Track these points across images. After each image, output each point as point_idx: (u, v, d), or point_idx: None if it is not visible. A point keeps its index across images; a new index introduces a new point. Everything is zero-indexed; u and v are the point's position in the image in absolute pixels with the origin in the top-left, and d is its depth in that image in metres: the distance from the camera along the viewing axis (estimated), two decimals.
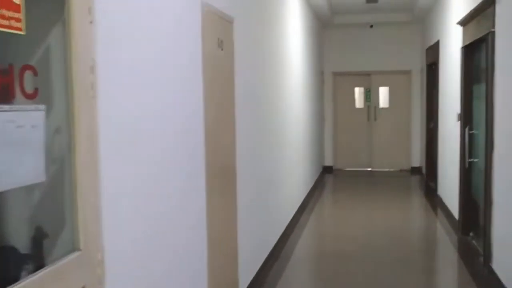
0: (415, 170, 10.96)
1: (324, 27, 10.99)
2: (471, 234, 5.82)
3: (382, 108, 11.31)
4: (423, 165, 10.15)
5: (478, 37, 5.05)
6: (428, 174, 9.49)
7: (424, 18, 9.89)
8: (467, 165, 5.77)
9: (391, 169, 11.24)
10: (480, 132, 5.53)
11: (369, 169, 11.36)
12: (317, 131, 9.94)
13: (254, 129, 4.58)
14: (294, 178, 7.05)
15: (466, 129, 5.72)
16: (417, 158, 11.03)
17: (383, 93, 11.36)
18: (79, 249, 1.72)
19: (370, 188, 9.63)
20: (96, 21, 1.83)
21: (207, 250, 3.18)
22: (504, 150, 4.26)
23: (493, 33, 4.45)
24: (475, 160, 5.68)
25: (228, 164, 3.64)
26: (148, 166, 2.34)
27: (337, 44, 11.20)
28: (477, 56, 5.61)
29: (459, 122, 6.08)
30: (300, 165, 7.69)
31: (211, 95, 3.19)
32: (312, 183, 9.09)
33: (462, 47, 5.86)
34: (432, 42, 8.69)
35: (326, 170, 11.17)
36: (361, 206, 7.91)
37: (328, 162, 11.40)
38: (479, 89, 5.55)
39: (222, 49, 3.42)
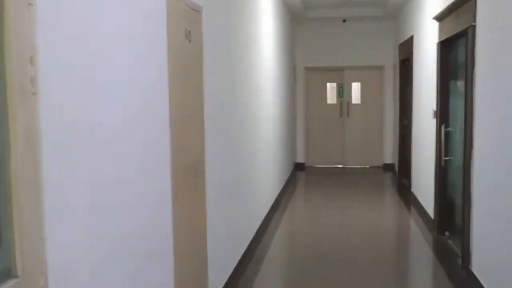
0: (387, 167, 10.87)
1: (296, 22, 10.78)
2: (446, 233, 5.69)
3: (355, 104, 11.18)
4: (396, 162, 10.05)
5: (456, 31, 4.89)
6: (401, 171, 9.39)
7: (397, 14, 9.77)
8: (443, 163, 5.63)
9: (364, 166, 11.13)
10: (456, 129, 5.40)
11: (341, 166, 11.23)
12: (289, 128, 9.74)
13: (225, 126, 4.32)
14: (267, 176, 6.83)
15: (442, 127, 5.57)
16: (389, 155, 10.94)
17: (356, 88, 11.22)
18: (16, 276, 1.44)
19: (342, 185, 9.48)
20: (38, 3, 1.55)
21: (173, 259, 2.92)
22: (485, 149, 4.11)
23: (473, 27, 4.29)
24: (451, 158, 5.55)
25: (197, 165, 3.38)
26: (102, 173, 2.07)
27: (310, 39, 11.00)
28: (454, 51, 5.47)
29: (435, 119, 5.94)
30: (273, 163, 7.47)
31: (178, 91, 2.92)
32: (285, 181, 8.89)
33: (438, 43, 5.71)
34: (406, 38, 8.56)
35: (298, 167, 10.99)
36: (334, 204, 7.74)
37: (300, 159, 11.22)
38: (456, 86, 5.41)
39: (190, 41, 3.15)
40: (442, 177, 5.77)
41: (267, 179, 6.86)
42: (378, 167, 11.06)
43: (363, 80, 11.11)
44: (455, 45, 5.38)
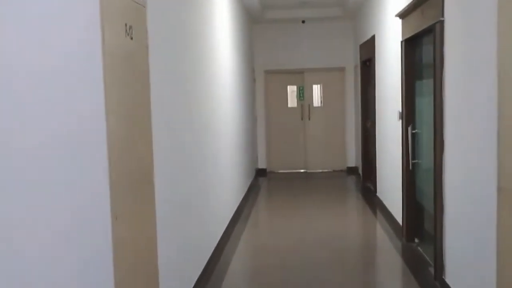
0: (351, 170, 10.65)
1: (254, 22, 10.46)
2: (416, 240, 5.44)
3: (316, 107, 10.93)
4: (359, 165, 9.83)
5: (422, 28, 4.64)
6: (365, 174, 9.17)
7: (356, 13, 9.57)
8: (410, 167, 5.38)
9: (327, 170, 10.88)
10: (424, 131, 5.15)
11: (304, 170, 10.95)
12: (249, 132, 9.40)
13: (178, 134, 3.93)
14: (227, 185, 6.45)
15: (409, 128, 5.33)
16: (352, 158, 10.73)
17: (317, 91, 10.98)
18: None
19: (306, 191, 9.19)
20: None
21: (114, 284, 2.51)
22: (456, 151, 3.85)
23: (441, 22, 4.03)
24: (419, 161, 5.30)
25: (144, 177, 2.98)
26: (19, 192, 1.66)
27: (268, 41, 10.70)
28: (420, 50, 5.23)
29: (400, 121, 5.70)
30: (233, 170, 7.10)
31: (117, 93, 2.53)
32: (246, 188, 8.53)
33: (402, 41, 5.47)
34: (367, 38, 8.35)
35: (260, 173, 10.65)
36: (298, 212, 7.42)
37: (262, 164, 10.88)
38: (422, 86, 5.17)
39: (132, 38, 2.75)
40: (409, 181, 5.51)
41: (228, 187, 6.49)
42: (341, 170, 10.83)
43: (324, 82, 10.87)
44: (421, 43, 5.15)
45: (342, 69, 10.73)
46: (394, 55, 6.03)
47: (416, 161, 5.33)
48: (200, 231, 4.67)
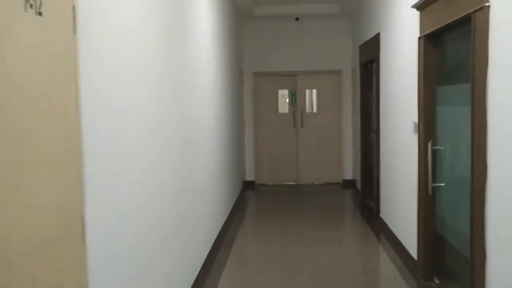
0: (348, 184, 9.67)
1: (243, 20, 9.46)
2: (436, 280, 4.46)
3: (310, 113, 9.95)
4: (358, 178, 8.85)
5: (451, 20, 3.67)
6: (364, 190, 8.19)
7: (357, 10, 8.61)
8: (430, 191, 4.40)
9: (321, 183, 9.89)
10: (448, 148, 4.18)
11: (296, 183, 9.95)
12: (236, 141, 8.39)
13: (135, 153, 2.92)
14: (209, 205, 5.44)
15: (430, 144, 4.35)
16: (349, 170, 9.75)
17: (310, 96, 10.00)
18: None
19: (298, 209, 8.18)
20: None
21: None
22: (506, 178, 2.87)
23: (485, 9, 3.06)
24: (441, 184, 4.33)
25: (64, 230, 1.96)
26: None
27: (258, 40, 9.71)
28: (445, 47, 4.26)
29: (416, 134, 4.72)
30: (217, 187, 6.10)
31: (9, 98, 1.51)
32: (231, 206, 7.52)
33: (421, 37, 4.50)
34: (369, 37, 7.39)
35: (247, 186, 9.63)
36: (290, 237, 6.39)
37: (249, 176, 9.87)
38: (447, 92, 4.20)
39: (39, 13, 1.74)
40: (428, 208, 4.53)
41: (209, 209, 5.47)
42: (337, 184, 9.85)
43: (319, 87, 9.89)
44: (447, 38, 4.17)
45: (338, 73, 9.76)
46: (407, 55, 5.06)
47: (437, 184, 4.35)
48: (173, 267, 3.65)
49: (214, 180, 5.93)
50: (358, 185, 8.78)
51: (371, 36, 7.18)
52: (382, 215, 6.58)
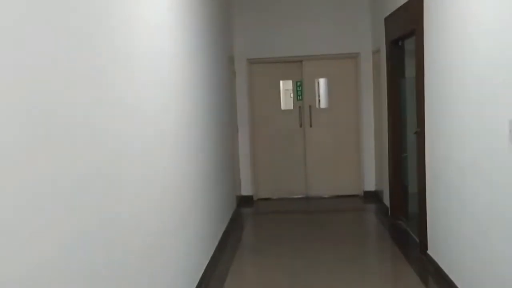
0: (370, 196, 7.68)
1: None
2: None
3: (320, 109, 7.95)
4: (384, 190, 6.87)
5: None
6: (395, 205, 6.22)
7: None
8: None
9: (336, 195, 7.90)
10: None
11: (304, 196, 7.98)
12: (226, 148, 6.42)
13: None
14: (186, 239, 3.50)
15: None
16: (371, 180, 7.75)
17: (321, 87, 7.99)
18: None
19: (309, 232, 6.14)
20: None
21: None
22: None
23: None
24: None
25: None
26: None
27: (253, 17, 7.71)
28: None
29: None
30: (199, 216, 4.16)
31: None
32: (221, 234, 5.57)
33: None
34: (401, 2, 5.39)
35: (243, 202, 7.66)
36: (299, 279, 4.42)
37: (246, 190, 7.89)
38: None
39: None
40: None
41: (188, 242, 3.52)
42: (355, 196, 7.87)
43: (331, 75, 7.89)
44: None
45: (355, 56, 7.75)
46: (489, 20, 3.07)
47: None
48: None
49: (195, 205, 3.96)
50: (385, 199, 6.81)
51: (404, 1, 5.18)
52: (433, 253, 4.58)
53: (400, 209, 6.20)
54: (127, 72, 2.69)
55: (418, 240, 5.08)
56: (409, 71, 5.92)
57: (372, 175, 7.72)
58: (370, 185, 7.75)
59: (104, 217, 2.27)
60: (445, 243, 4.21)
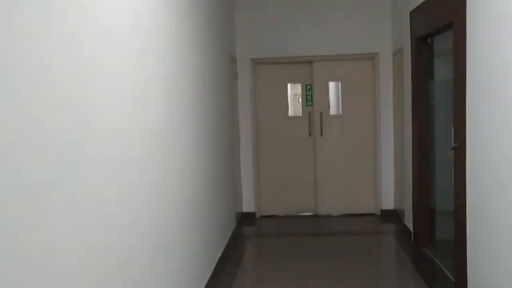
0: (387, 216, 6.80)
1: None
2: None
3: (332, 116, 7.07)
4: (407, 209, 5.99)
5: None
6: (420, 231, 5.34)
7: None
8: None
9: (348, 213, 7.02)
10: None
11: (313, 213, 7.11)
12: (225, 159, 5.57)
13: None
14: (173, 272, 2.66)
15: None
16: (389, 197, 6.87)
17: (333, 92, 7.13)
18: None
19: (319, 265, 5.24)
20: None
21: None
22: None
23: None
24: None
25: None
26: None
27: (259, 14, 6.86)
28: None
29: None
30: (185, 240, 3.31)
31: None
32: (216, 260, 4.72)
33: None
34: None
35: (245, 221, 6.81)
36: None
37: (248, 206, 7.02)
38: None
39: None
40: None
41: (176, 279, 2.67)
42: (371, 215, 6.98)
43: (345, 78, 7.02)
44: None
45: (373, 57, 6.88)
46: None
47: None
48: None
49: (184, 228, 3.11)
50: (407, 221, 5.93)
51: None
52: None
53: (426, 235, 5.33)
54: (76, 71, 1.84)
55: (453, 279, 4.19)
56: (439, 74, 5.05)
57: (390, 191, 6.83)
58: (388, 203, 6.86)
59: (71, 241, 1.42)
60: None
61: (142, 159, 2.72)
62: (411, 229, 5.66)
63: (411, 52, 5.45)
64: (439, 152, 5.06)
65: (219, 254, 5.05)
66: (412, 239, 5.56)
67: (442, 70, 4.96)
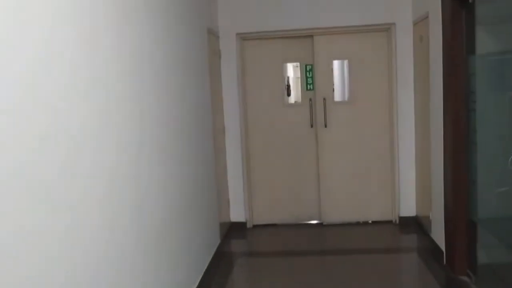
0: (407, 224, 5.55)
1: None
2: None
3: (338, 103, 5.78)
4: (435, 219, 4.73)
5: None
6: (456, 252, 4.08)
7: None
8: None
9: (360, 221, 5.78)
10: None
11: (317, 221, 5.86)
12: (203, 157, 4.32)
13: None
14: None
15: None
16: (410, 202, 5.60)
17: (339, 72, 5.82)
18: None
19: (326, 284, 4.03)
20: None
21: None
22: None
23: None
24: None
25: None
26: None
27: None
28: None
29: None
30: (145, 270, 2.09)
31: None
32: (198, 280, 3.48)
33: None
34: None
35: (233, 233, 5.57)
36: None
37: (237, 215, 5.77)
38: None
39: None
40: None
41: None
42: (388, 223, 5.72)
43: (353, 56, 5.70)
44: None
45: (387, 29, 5.56)
46: None
47: None
48: None
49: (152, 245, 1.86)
50: (435, 234, 4.69)
51: None
52: None
53: (464, 257, 4.08)
54: None
55: None
56: (483, 47, 3.75)
57: (411, 194, 5.56)
58: (409, 209, 5.59)
59: None
60: None
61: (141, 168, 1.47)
62: (442, 247, 4.41)
63: (443, 18, 4.14)
64: (481, 150, 3.79)
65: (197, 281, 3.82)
66: (445, 261, 4.31)
67: (489, 41, 3.66)
